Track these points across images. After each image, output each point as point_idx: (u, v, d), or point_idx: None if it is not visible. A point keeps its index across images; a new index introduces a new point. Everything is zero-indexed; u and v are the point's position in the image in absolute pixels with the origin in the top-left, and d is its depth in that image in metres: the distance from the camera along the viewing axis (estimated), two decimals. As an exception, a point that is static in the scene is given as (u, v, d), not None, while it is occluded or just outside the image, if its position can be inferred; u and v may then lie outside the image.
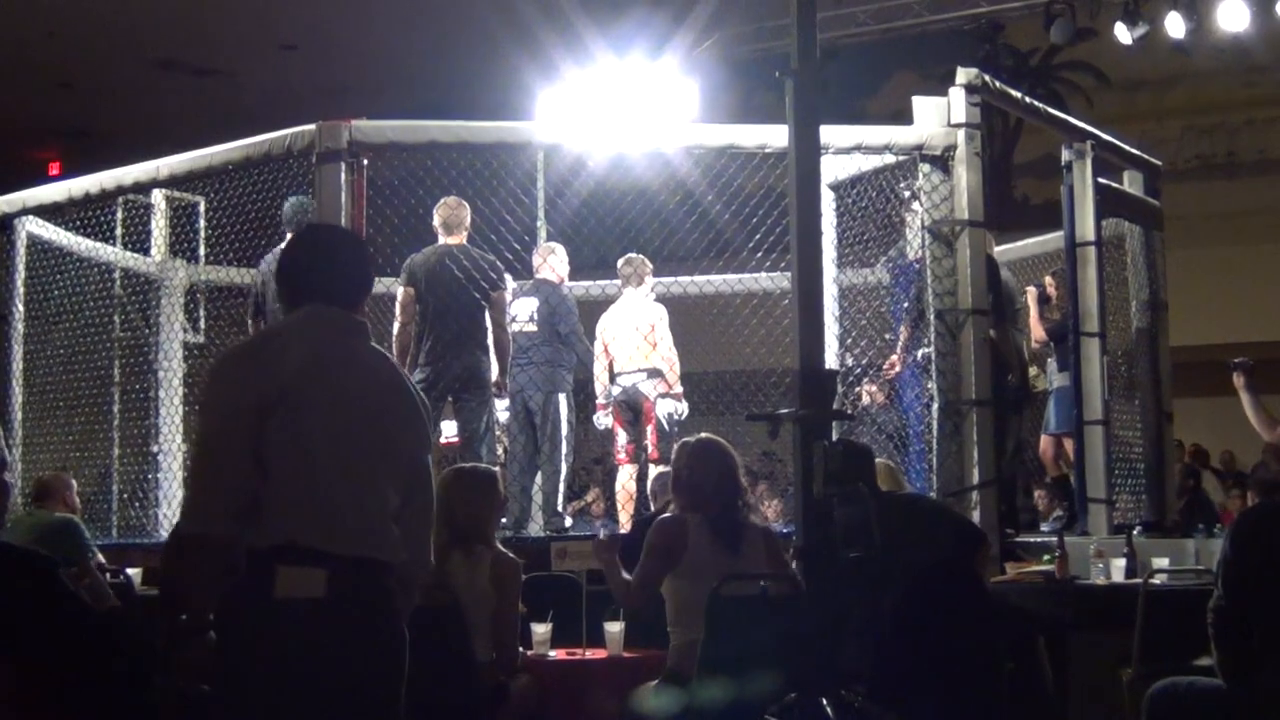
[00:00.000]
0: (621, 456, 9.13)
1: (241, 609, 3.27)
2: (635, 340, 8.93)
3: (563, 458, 8.61)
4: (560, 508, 8.57)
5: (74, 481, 7.89)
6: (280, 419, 3.29)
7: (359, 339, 3.56)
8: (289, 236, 8.14)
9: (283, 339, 3.48)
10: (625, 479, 9.07)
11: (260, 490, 3.29)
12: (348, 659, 3.30)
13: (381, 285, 9.18)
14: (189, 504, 3.39)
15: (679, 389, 9.00)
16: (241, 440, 3.28)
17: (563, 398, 8.67)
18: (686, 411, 9.06)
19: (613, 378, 9.10)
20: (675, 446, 5.96)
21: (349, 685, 3.30)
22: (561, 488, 8.61)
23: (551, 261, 8.89)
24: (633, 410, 9.02)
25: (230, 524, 3.26)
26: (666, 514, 5.81)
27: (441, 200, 8.29)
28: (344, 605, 3.29)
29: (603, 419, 9.25)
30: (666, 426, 8.89)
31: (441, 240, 8.25)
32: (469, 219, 8.33)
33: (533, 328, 8.69)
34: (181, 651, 3.28)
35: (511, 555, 5.58)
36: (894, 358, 8.57)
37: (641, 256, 9.13)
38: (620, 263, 9.13)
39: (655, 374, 8.92)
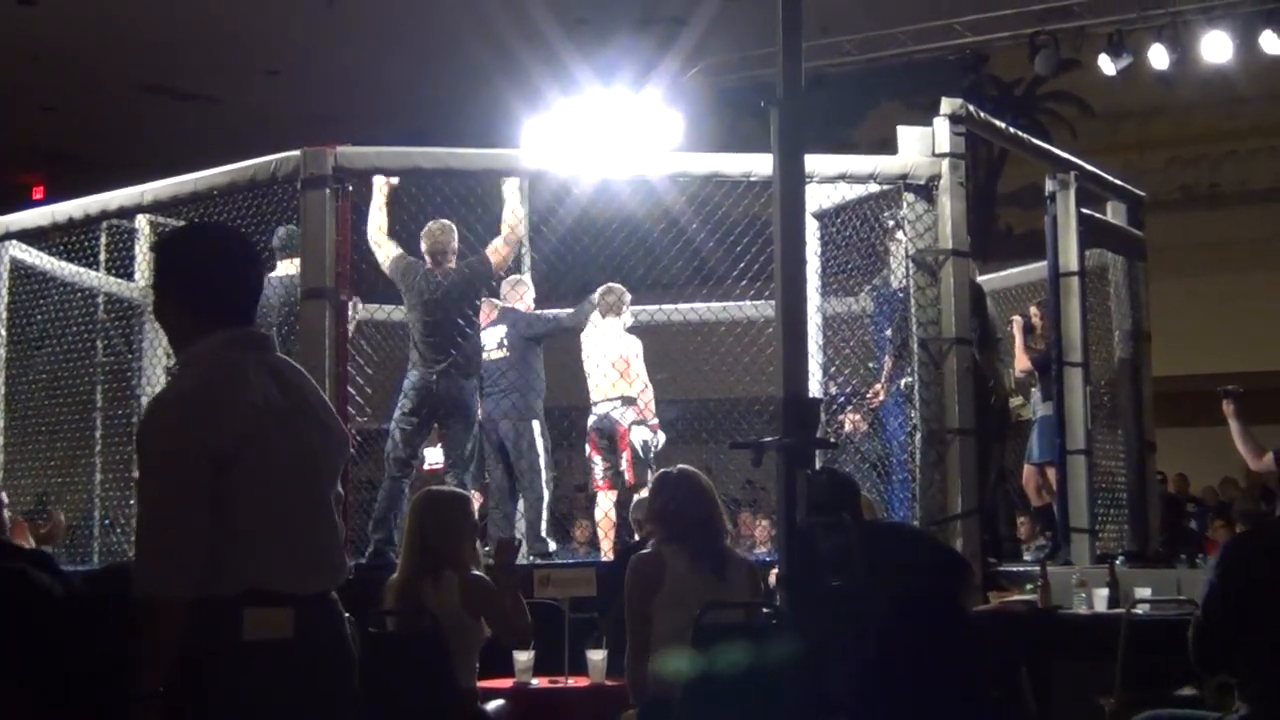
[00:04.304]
0: (600, 483, 9.15)
1: (207, 658, 3.17)
2: (610, 370, 8.98)
3: (543, 484, 8.59)
4: (543, 534, 8.54)
5: (5, 496, 7.75)
6: (241, 468, 3.19)
7: (273, 355, 3.45)
8: (278, 264, 8.17)
9: (220, 384, 3.28)
10: (607, 506, 9.07)
11: (220, 538, 3.18)
12: (317, 694, 3.26)
13: (365, 311, 9.20)
14: (149, 566, 3.16)
15: (654, 420, 9.04)
16: (199, 493, 3.15)
17: (535, 424, 8.66)
18: (663, 441, 9.09)
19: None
20: (655, 477, 5.94)
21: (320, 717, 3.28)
22: (544, 514, 8.58)
23: (519, 291, 9.08)
24: (607, 438, 9.06)
25: (194, 582, 3.14)
26: (642, 550, 5.78)
27: (426, 228, 8.29)
28: (309, 641, 3.24)
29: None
30: (641, 454, 8.92)
31: (429, 267, 8.26)
32: (455, 242, 8.33)
33: (501, 354, 8.70)
34: None
35: (477, 573, 5.52)
36: (878, 386, 8.59)
37: (621, 287, 9.15)
38: (601, 291, 9.14)
39: (629, 402, 8.98)
